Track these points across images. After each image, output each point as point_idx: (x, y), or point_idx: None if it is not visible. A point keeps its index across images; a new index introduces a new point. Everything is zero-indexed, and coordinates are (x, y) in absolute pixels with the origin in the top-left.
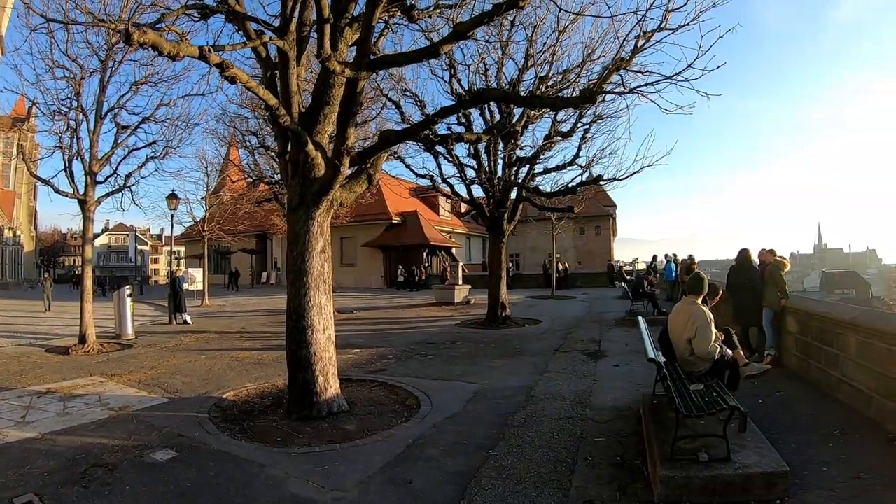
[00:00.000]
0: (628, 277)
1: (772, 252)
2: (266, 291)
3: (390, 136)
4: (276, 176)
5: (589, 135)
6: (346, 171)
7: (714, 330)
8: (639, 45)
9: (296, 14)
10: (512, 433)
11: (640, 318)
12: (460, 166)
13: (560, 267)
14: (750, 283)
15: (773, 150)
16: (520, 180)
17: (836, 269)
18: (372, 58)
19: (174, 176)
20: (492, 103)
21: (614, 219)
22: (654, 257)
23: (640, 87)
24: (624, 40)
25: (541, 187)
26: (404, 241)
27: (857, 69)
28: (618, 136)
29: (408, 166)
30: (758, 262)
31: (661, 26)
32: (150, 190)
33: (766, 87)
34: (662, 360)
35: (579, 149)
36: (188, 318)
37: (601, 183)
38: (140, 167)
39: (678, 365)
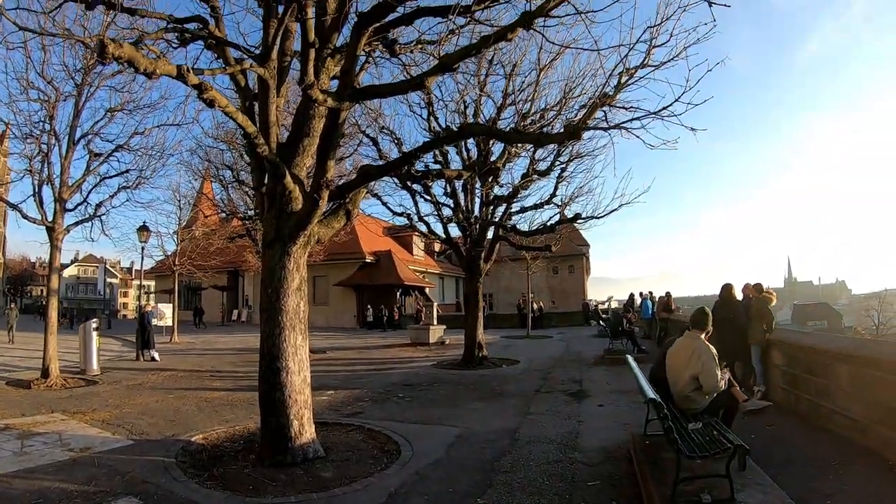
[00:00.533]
0: (604, 316)
1: (757, 286)
2: (237, 329)
3: (370, 171)
4: (249, 211)
5: (566, 173)
6: (325, 205)
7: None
8: (622, 80)
9: (277, 42)
10: (500, 479)
11: (629, 357)
12: (437, 205)
13: (535, 306)
14: (734, 319)
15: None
16: (497, 219)
17: (807, 301)
18: (355, 88)
19: (146, 207)
20: (469, 141)
21: (587, 258)
22: (631, 295)
23: (624, 122)
24: (609, 76)
25: (518, 226)
26: (378, 281)
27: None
28: (595, 174)
29: (384, 204)
30: (741, 297)
31: (645, 63)
32: (121, 221)
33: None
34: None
35: (556, 187)
36: (156, 355)
37: (579, 221)
38: (111, 196)
39: (672, 403)
